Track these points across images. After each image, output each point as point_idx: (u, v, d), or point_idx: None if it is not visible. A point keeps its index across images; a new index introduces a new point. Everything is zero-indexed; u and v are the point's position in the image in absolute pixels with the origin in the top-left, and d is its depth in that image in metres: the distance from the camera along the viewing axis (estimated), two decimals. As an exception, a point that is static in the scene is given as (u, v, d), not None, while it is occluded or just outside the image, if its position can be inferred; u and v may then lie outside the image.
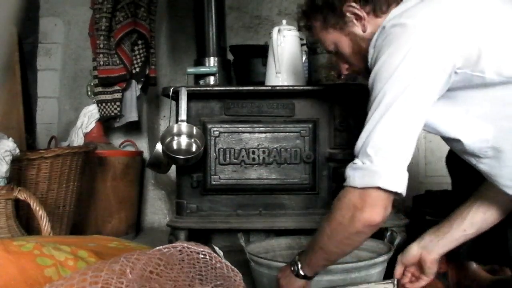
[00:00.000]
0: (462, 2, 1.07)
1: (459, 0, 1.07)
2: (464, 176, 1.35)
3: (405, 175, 1.04)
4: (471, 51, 1.02)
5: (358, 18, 1.20)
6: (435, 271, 1.31)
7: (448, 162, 1.49)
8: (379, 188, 1.01)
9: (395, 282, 1.31)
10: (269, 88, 1.89)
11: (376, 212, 1.03)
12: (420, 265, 1.30)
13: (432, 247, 1.27)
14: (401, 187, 1.03)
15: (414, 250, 1.30)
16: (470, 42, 1.02)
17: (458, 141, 1.10)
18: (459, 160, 1.20)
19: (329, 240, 1.12)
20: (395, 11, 1.14)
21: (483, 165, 1.11)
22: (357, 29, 1.22)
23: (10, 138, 1.67)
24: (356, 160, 1.06)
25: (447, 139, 1.15)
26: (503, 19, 1.07)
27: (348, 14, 1.20)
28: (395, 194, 1.03)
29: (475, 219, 1.23)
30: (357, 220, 1.04)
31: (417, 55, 1.02)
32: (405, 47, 1.02)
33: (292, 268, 1.23)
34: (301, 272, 1.22)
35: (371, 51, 1.15)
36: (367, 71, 1.17)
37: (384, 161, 1.02)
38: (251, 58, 2.21)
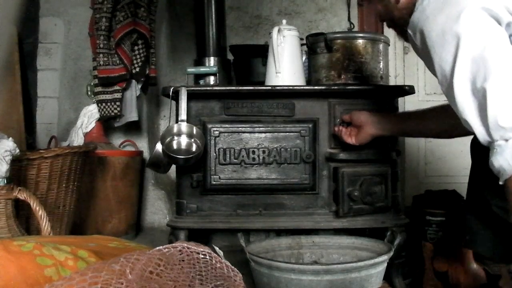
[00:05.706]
0: None
1: None
2: (484, 161, 1.35)
3: None
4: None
5: None
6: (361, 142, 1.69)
7: (472, 147, 1.48)
8: None
9: None
10: (269, 88, 1.88)
11: None
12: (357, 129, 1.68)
13: (379, 123, 1.61)
14: None
15: (364, 116, 1.66)
16: None
17: None
18: (482, 146, 1.20)
19: None
20: None
21: None
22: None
23: (10, 138, 1.67)
24: (496, 143, 0.93)
25: None
26: None
27: None
28: None
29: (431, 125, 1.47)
30: None
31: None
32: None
33: None
34: None
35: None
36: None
37: None
38: (251, 58, 2.21)
